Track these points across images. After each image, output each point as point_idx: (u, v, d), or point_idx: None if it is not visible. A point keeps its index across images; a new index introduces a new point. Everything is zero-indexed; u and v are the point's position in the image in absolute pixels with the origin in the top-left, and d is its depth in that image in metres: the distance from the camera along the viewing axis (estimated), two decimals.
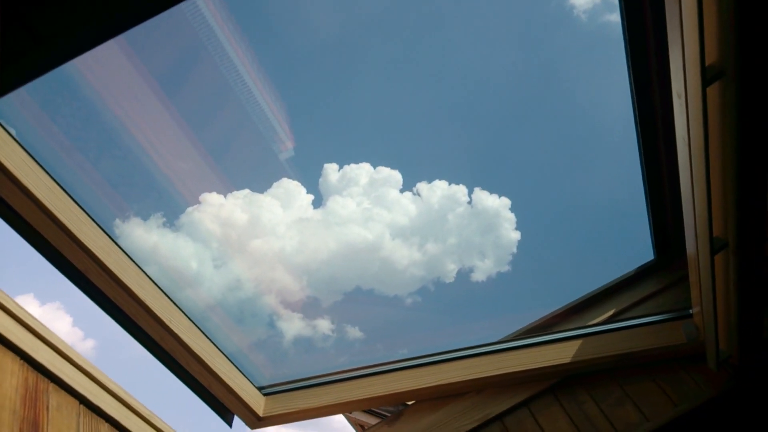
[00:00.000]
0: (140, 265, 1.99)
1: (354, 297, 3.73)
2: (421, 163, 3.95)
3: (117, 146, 2.27)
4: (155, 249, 2.70)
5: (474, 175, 3.92)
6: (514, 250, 3.85)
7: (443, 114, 3.69)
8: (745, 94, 1.43)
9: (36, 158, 1.73)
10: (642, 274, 2.46)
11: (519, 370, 2.28)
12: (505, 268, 3.86)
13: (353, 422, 5.37)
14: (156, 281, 2.04)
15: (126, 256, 1.94)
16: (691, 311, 2.19)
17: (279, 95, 3.07)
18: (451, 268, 3.90)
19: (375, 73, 3.50)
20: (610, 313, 2.38)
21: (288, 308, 3.46)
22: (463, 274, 3.90)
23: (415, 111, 3.71)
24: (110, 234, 1.93)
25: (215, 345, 2.26)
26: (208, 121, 2.85)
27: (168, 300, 2.07)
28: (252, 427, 2.44)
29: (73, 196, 1.82)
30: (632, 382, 2.20)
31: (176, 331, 2.06)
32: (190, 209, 3.09)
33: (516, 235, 3.85)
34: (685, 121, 1.58)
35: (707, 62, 1.40)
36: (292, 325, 3.43)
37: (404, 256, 3.88)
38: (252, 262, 3.46)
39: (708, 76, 1.41)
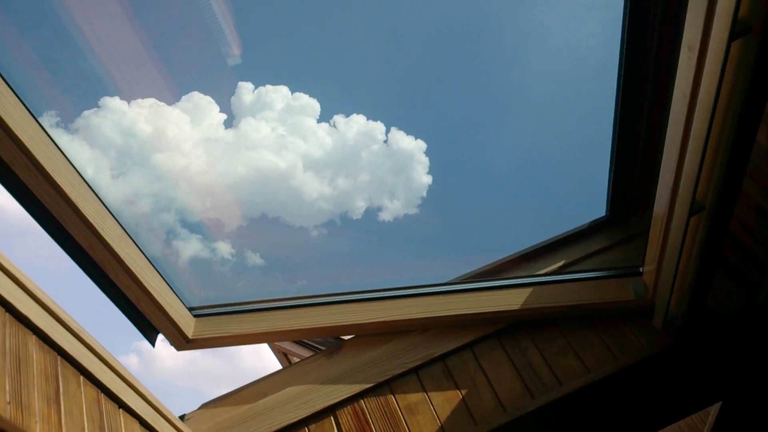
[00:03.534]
0: (73, 162, 1.75)
1: (258, 223, 3.61)
2: (340, 93, 3.79)
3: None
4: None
5: (393, 113, 3.81)
6: (424, 194, 3.82)
7: (370, 46, 3.52)
8: (764, 55, 1.39)
9: None
10: (594, 229, 2.46)
11: (466, 313, 2.24)
12: (413, 210, 3.83)
13: (278, 351, 5.29)
14: (90, 182, 1.81)
15: (58, 150, 1.69)
16: (641, 269, 2.22)
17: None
18: (359, 205, 3.85)
19: None
20: (560, 264, 2.37)
21: (186, 228, 3.28)
22: (371, 213, 3.85)
23: (341, 38, 3.51)
24: (41, 122, 1.66)
25: (147, 258, 2.06)
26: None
27: (101, 204, 1.85)
28: (178, 349, 2.28)
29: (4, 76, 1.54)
30: (576, 334, 2.21)
31: (107, 239, 1.84)
32: (87, 113, 2.80)
33: (427, 180, 3.81)
34: (692, 77, 1.51)
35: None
36: (190, 246, 3.25)
37: (314, 188, 3.78)
38: (153, 177, 3.22)
39: (737, 30, 1.34)
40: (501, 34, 3.29)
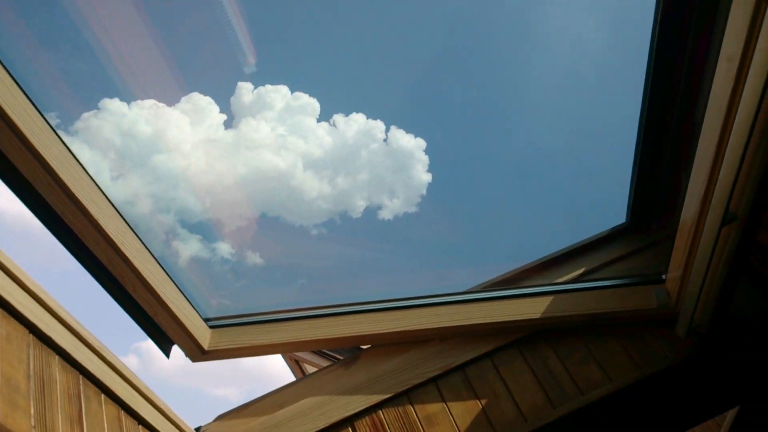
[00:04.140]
0: (94, 178, 1.70)
1: (258, 223, 3.59)
2: (340, 92, 3.76)
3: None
4: None
5: (393, 111, 3.78)
6: (424, 191, 3.80)
7: (370, 44, 3.48)
8: None
9: None
10: (613, 236, 2.44)
11: (486, 322, 2.22)
12: (413, 208, 3.82)
13: (289, 358, 5.25)
14: (110, 197, 1.76)
15: (80, 167, 1.64)
16: (663, 277, 2.20)
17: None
18: (359, 204, 3.83)
19: None
20: (580, 271, 2.35)
21: (186, 228, 3.24)
22: (371, 211, 3.83)
23: (341, 36, 3.48)
24: (64, 140, 1.61)
25: (165, 271, 2.01)
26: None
27: (121, 220, 1.80)
28: (194, 360, 2.23)
29: (26, 91, 1.48)
30: (598, 342, 2.19)
31: (128, 254, 1.79)
32: (87, 114, 2.77)
33: (427, 177, 3.79)
34: (731, 88, 1.48)
35: None
36: (190, 246, 3.22)
37: (314, 188, 3.76)
38: (153, 177, 3.18)
39: None
40: (502, 30, 3.26)
